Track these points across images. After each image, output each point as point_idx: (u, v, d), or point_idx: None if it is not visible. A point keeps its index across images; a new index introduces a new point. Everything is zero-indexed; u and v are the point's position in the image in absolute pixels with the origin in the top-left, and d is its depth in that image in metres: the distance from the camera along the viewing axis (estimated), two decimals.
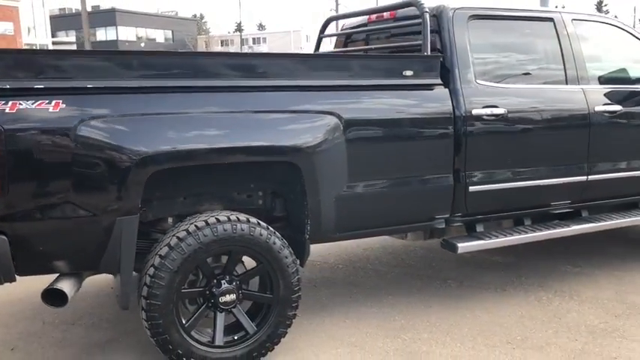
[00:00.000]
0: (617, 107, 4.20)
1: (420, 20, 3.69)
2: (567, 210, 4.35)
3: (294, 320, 3.34)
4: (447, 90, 3.66)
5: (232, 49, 77.44)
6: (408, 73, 3.52)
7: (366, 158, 3.44)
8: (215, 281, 3.17)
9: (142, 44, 60.28)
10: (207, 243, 3.03)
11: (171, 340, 3.03)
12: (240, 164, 3.27)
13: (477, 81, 3.77)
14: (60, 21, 65.23)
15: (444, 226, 3.86)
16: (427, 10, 3.69)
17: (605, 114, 4.15)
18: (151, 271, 2.97)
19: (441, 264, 4.96)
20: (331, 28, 5.12)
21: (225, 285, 3.17)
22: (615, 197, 4.46)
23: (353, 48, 4.79)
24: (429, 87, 3.61)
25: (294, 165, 3.23)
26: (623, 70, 4.49)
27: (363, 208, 3.51)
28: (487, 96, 3.77)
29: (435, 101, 3.61)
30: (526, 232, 4.04)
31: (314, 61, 3.50)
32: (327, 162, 3.28)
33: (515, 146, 3.91)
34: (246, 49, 78.06)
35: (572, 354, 3.39)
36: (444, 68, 3.71)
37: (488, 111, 3.74)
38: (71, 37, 64.51)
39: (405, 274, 4.75)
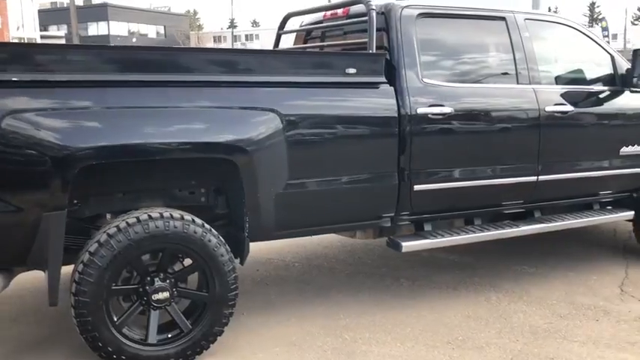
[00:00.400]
0: (570, 108, 4.18)
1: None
2: (520, 210, 4.34)
3: (231, 319, 3.31)
4: (392, 88, 3.63)
5: (224, 45, 77.19)
6: (351, 70, 3.49)
7: (307, 156, 3.41)
8: (149, 279, 3.14)
9: (134, 39, 59.98)
10: (138, 240, 3.00)
11: (101, 337, 3.00)
12: (179, 161, 3.24)
13: (424, 80, 3.74)
14: (52, 15, 64.73)
15: (389, 224, 3.84)
16: (373, 7, 3.66)
17: (557, 114, 4.14)
18: (80, 267, 2.94)
19: (398, 263, 4.94)
20: (294, 25, 5.08)
21: (158, 283, 3.13)
22: (568, 198, 4.46)
23: (311, 45, 4.76)
24: (373, 85, 3.59)
25: (231, 162, 3.20)
26: (578, 70, 4.49)
27: (305, 206, 3.50)
28: (434, 95, 3.75)
29: (379, 99, 3.59)
30: (474, 232, 4.03)
31: (253, 57, 3.46)
32: (266, 159, 3.25)
33: (462, 145, 3.89)
34: (238, 46, 77.90)
35: (511, 354, 3.38)
36: (390, 67, 3.69)
37: (435, 110, 3.72)
38: (62, 31, 64.14)
39: (359, 273, 4.74)
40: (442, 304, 4.07)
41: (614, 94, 4.40)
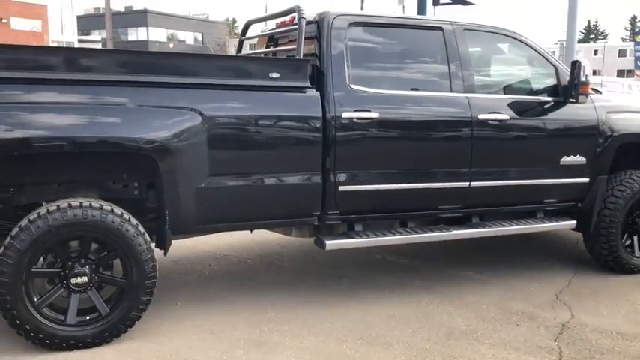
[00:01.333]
0: (505, 116, 4.26)
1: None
2: (457, 215, 4.43)
3: (148, 305, 3.51)
4: (317, 93, 3.80)
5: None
6: (274, 75, 3.67)
7: (226, 154, 3.60)
8: (70, 264, 3.37)
9: (171, 45, 61.37)
10: (57, 226, 3.23)
11: (19, 315, 3.23)
12: (105, 155, 3.47)
13: (351, 85, 3.89)
14: (94, 20, 66.77)
15: (317, 223, 3.99)
16: (304, 17, 3.85)
17: (491, 122, 4.22)
18: (2, 249, 3.19)
19: (346, 264, 5.07)
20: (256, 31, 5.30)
21: (77, 268, 3.36)
22: (508, 205, 4.52)
23: (269, 50, 4.96)
24: (298, 89, 3.75)
25: (150, 157, 3.41)
26: (519, 81, 4.55)
27: (226, 202, 3.67)
28: (360, 100, 3.89)
29: (302, 103, 3.76)
30: (401, 234, 4.14)
31: (178, 59, 3.68)
32: (184, 156, 3.45)
33: (388, 149, 4.02)
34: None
35: (417, 352, 3.49)
36: (319, 72, 3.87)
37: (360, 115, 3.86)
38: (102, 36, 66.03)
39: (305, 271, 4.89)
40: (373, 303, 4.19)
41: (555, 105, 4.45)
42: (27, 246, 3.19)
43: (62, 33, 39.89)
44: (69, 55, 3.42)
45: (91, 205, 3.32)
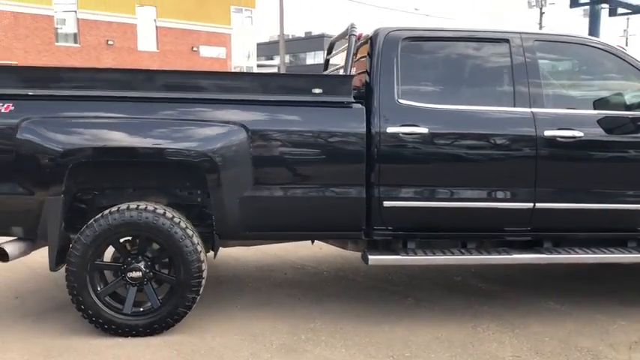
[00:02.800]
0: (578, 133, 3.91)
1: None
2: (524, 238, 4.15)
3: (194, 303, 3.81)
4: (363, 108, 3.84)
5: None
6: (317, 91, 3.80)
7: (270, 165, 3.80)
8: (129, 259, 3.80)
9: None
10: (116, 225, 3.68)
11: (84, 301, 3.72)
12: (171, 164, 3.84)
13: (400, 100, 3.87)
14: (276, 46, 71.77)
15: (363, 237, 4.01)
16: (354, 34, 3.95)
17: (560, 139, 3.90)
18: (73, 243, 3.72)
19: (420, 283, 4.96)
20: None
21: (133, 263, 3.78)
22: (585, 230, 4.12)
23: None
24: (342, 104, 3.83)
25: (198, 167, 3.73)
26: (598, 93, 4.13)
27: (270, 212, 3.86)
28: (408, 115, 3.85)
29: (345, 118, 3.82)
30: (452, 254, 3.98)
31: (226, 78, 3.96)
32: (229, 167, 3.72)
33: (436, 166, 3.91)
34: None
35: None
36: (369, 87, 3.92)
37: (406, 129, 3.82)
38: (285, 60, 70.43)
39: (372, 287, 4.86)
40: (425, 324, 4.07)
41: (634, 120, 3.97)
42: (90, 241, 3.67)
43: (248, 59, 43.52)
44: (131, 76, 3.89)
45: (146, 208, 3.72)
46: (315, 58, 68.36)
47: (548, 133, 3.89)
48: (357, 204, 3.87)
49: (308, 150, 3.82)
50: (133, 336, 3.77)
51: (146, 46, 32.58)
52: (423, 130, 3.84)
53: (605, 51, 4.10)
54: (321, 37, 68.21)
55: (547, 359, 3.59)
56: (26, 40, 28.08)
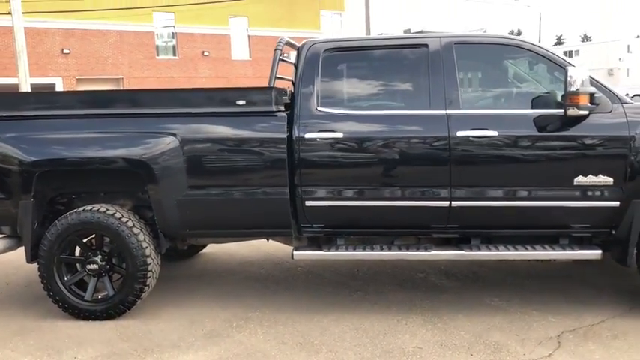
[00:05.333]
0: (491, 133, 4.00)
1: None
2: (451, 235, 4.29)
3: (142, 292, 4.35)
4: (285, 116, 4.20)
5: None
6: (241, 102, 4.20)
7: (202, 170, 4.25)
8: (89, 253, 4.43)
9: None
10: (74, 224, 4.32)
11: (52, 289, 4.39)
12: (125, 171, 4.41)
13: (319, 108, 4.18)
14: None
15: (294, 235, 4.35)
16: (278, 48, 4.32)
17: (473, 139, 4.02)
18: (42, 240, 4.40)
19: (384, 279, 5.18)
20: None
21: (91, 257, 4.40)
22: (509, 227, 4.19)
23: None
24: (265, 113, 4.21)
25: (139, 173, 4.27)
26: (516, 93, 4.17)
27: (205, 212, 4.31)
28: (326, 121, 4.15)
29: (268, 125, 4.19)
30: (372, 250, 4.22)
31: (160, 94, 4.47)
32: (165, 172, 4.22)
33: (352, 167, 4.16)
34: None
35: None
36: (293, 96, 4.27)
37: (323, 135, 4.12)
38: None
39: (335, 283, 5.15)
40: (354, 316, 4.32)
41: (559, 118, 3.95)
42: (55, 237, 4.33)
43: None
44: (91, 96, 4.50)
45: (98, 209, 4.32)
46: None
47: (461, 133, 4.02)
48: (282, 204, 4.22)
49: (235, 156, 4.23)
50: (93, 319, 4.39)
51: (239, 55, 34.18)
52: (339, 135, 4.12)
53: (524, 49, 4.14)
54: (421, 33, 67.52)
55: (448, 350, 3.75)
56: (130, 56, 30.54)
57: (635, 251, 4.02)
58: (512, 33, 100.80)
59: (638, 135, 3.92)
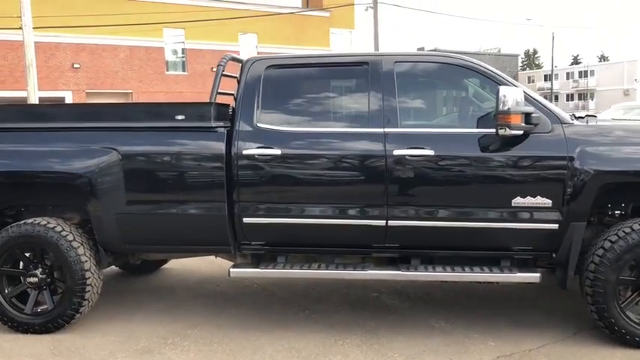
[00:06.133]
0: (428, 152, 3.95)
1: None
2: (391, 255, 4.23)
3: (81, 307, 4.33)
4: (224, 131, 4.18)
5: (557, 83, 73.85)
6: (180, 117, 4.20)
7: (141, 186, 4.25)
8: (31, 267, 4.42)
9: None
10: (14, 237, 4.33)
11: None
12: (65, 184, 4.42)
13: (258, 124, 4.17)
14: None
15: (233, 252, 4.32)
16: (221, 64, 4.32)
17: (410, 158, 3.97)
18: None
19: (339, 299, 5.11)
20: None
21: (32, 270, 4.40)
22: (448, 248, 4.12)
23: None
24: (204, 129, 4.20)
25: (79, 188, 4.27)
26: (454, 112, 4.12)
27: (144, 227, 4.30)
28: (264, 138, 4.13)
29: (208, 141, 4.18)
30: (308, 269, 4.17)
31: (102, 108, 4.49)
32: (105, 186, 4.22)
33: (290, 185, 4.12)
34: (570, 84, 73.53)
35: None
36: (234, 112, 4.26)
37: (261, 151, 4.10)
38: None
39: (284, 301, 5.10)
40: (292, 335, 4.26)
41: (494, 137, 3.88)
42: None
43: None
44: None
45: (39, 223, 4.33)
46: None
47: (397, 152, 3.98)
48: (220, 221, 4.20)
49: (173, 171, 4.22)
50: (31, 333, 4.37)
51: None
52: (277, 151, 4.09)
53: (465, 67, 4.10)
54: (434, 52, 67.66)
55: None
56: (140, 71, 30.94)
57: (573, 274, 3.93)
58: (527, 52, 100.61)
59: (577, 156, 3.84)
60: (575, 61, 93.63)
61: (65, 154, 4.30)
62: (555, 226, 3.91)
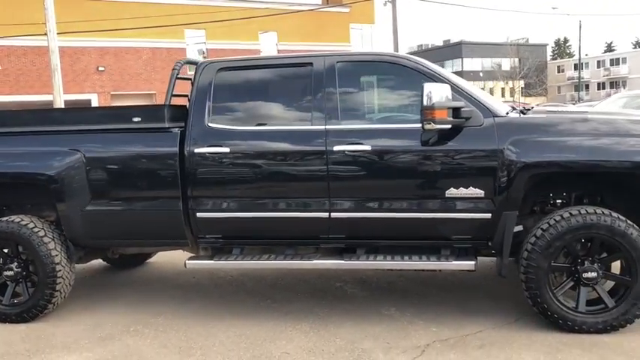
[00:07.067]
0: (365, 147, 4.14)
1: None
2: (336, 245, 4.44)
3: (52, 297, 4.66)
4: (178, 132, 4.45)
5: (588, 71, 72.34)
6: (136, 119, 4.48)
7: (103, 184, 4.54)
8: (8, 260, 4.77)
9: (481, 74, 61.98)
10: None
11: None
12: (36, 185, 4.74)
13: (209, 124, 4.42)
14: (417, 56, 71.72)
15: (191, 245, 4.59)
16: (176, 67, 4.59)
17: (349, 153, 4.16)
18: None
19: (300, 288, 5.35)
20: None
21: (8, 264, 4.74)
22: (390, 238, 4.31)
23: None
24: (160, 130, 4.48)
25: (47, 187, 4.59)
26: (396, 109, 4.30)
27: (107, 223, 4.60)
28: (215, 137, 4.38)
29: (161, 141, 4.46)
30: (259, 260, 4.41)
31: (65, 112, 4.80)
32: (70, 185, 4.54)
33: (239, 181, 4.36)
34: (601, 72, 71.94)
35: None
36: (187, 113, 4.52)
37: (211, 150, 4.35)
38: None
39: (254, 293, 5.35)
40: (248, 322, 4.50)
41: (423, 131, 4.05)
42: None
43: None
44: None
45: (13, 220, 4.67)
46: (453, 66, 67.31)
47: (337, 147, 4.18)
48: (176, 216, 4.47)
49: (132, 170, 4.51)
50: (9, 322, 4.72)
51: None
52: (225, 149, 4.34)
53: (402, 66, 4.27)
54: (459, 44, 67.12)
55: (313, 356, 3.89)
56: (163, 72, 31.55)
57: (507, 262, 4.07)
58: (558, 41, 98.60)
59: (507, 148, 3.98)
60: (609, 49, 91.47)
61: (34, 155, 4.63)
62: (488, 215, 4.06)
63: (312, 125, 4.28)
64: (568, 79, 72.49)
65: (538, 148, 3.96)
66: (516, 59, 64.51)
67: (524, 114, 4.31)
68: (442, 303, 4.78)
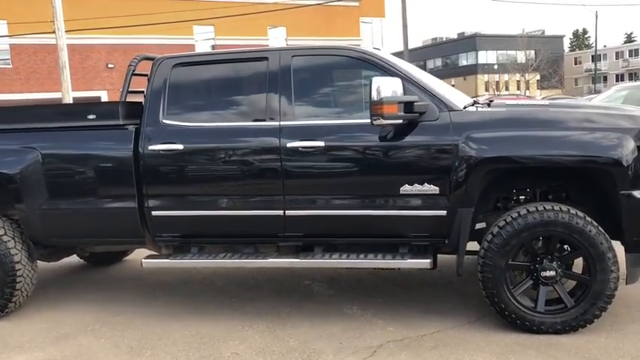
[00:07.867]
0: (318, 143, 4.05)
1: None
2: (294, 243, 4.36)
3: (13, 296, 4.65)
4: (133, 130, 4.39)
5: (606, 63, 71.25)
6: (91, 116, 4.44)
7: (59, 183, 4.51)
8: None
9: (495, 67, 61.35)
10: None
11: None
12: None
13: (164, 121, 4.35)
14: (429, 50, 71.45)
15: (146, 244, 4.54)
16: (132, 64, 4.53)
17: (302, 150, 4.07)
18: None
19: (269, 286, 5.28)
20: None
21: None
22: (345, 236, 4.22)
23: None
24: (115, 127, 4.42)
25: (4, 186, 4.56)
26: (349, 104, 4.19)
27: (65, 222, 4.56)
28: (169, 134, 4.31)
29: (116, 138, 4.41)
30: (215, 258, 4.35)
31: (20, 111, 4.79)
32: (28, 184, 4.51)
33: (193, 179, 4.29)
34: (620, 63, 70.81)
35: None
36: (142, 110, 4.46)
37: (165, 147, 4.29)
38: (437, 63, 70.11)
39: (214, 290, 5.30)
40: (206, 321, 4.45)
41: (374, 128, 3.95)
42: None
43: None
44: None
45: None
46: (467, 59, 66.74)
47: (291, 144, 4.09)
48: (131, 215, 4.42)
49: (88, 168, 4.46)
50: None
51: None
52: (179, 146, 4.27)
53: (359, 59, 4.16)
54: (474, 37, 66.45)
55: (262, 357, 3.82)
56: None
57: (463, 260, 3.96)
58: (576, 33, 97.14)
59: (462, 143, 3.86)
60: (629, 39, 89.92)
61: None
62: (443, 212, 3.94)
63: (266, 122, 4.20)
64: (585, 71, 71.41)
65: (493, 143, 3.84)
66: (531, 52, 63.73)
67: (489, 107, 4.18)
68: (406, 302, 4.68)
